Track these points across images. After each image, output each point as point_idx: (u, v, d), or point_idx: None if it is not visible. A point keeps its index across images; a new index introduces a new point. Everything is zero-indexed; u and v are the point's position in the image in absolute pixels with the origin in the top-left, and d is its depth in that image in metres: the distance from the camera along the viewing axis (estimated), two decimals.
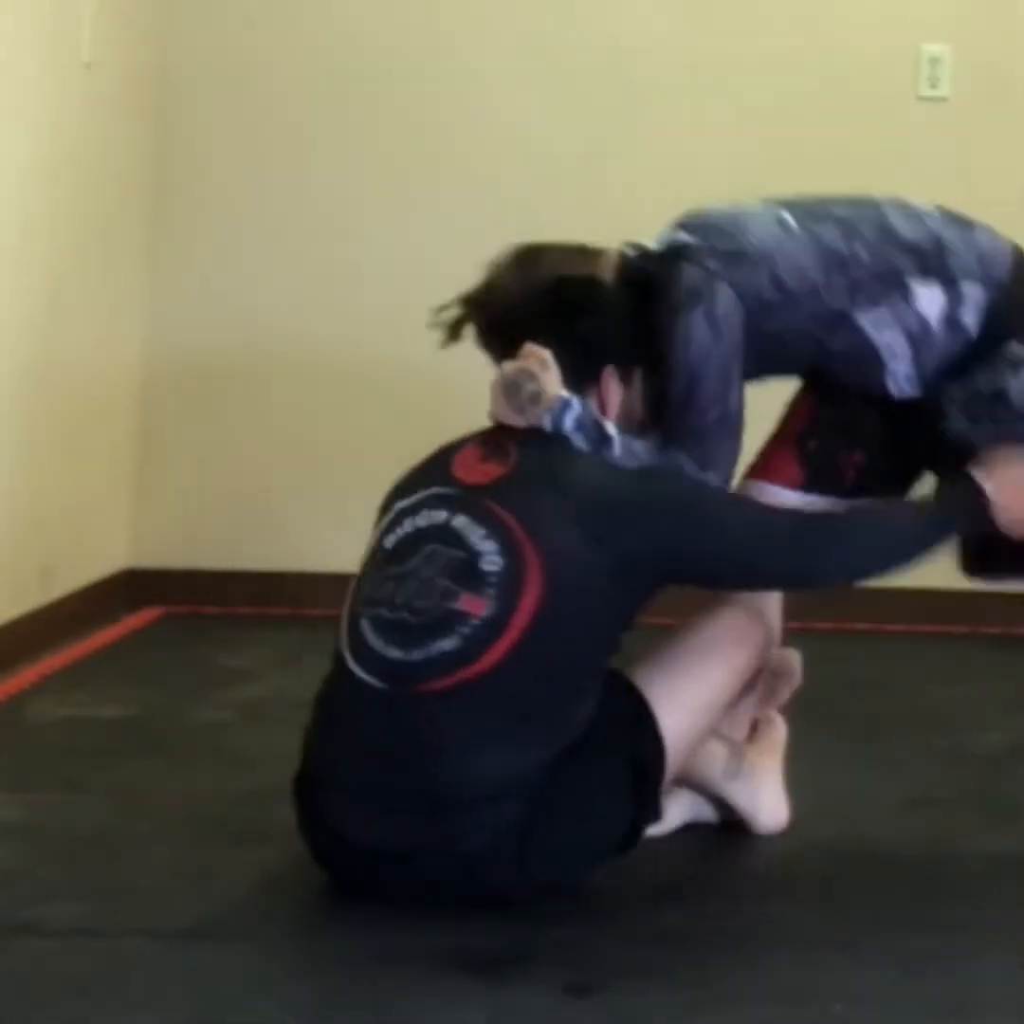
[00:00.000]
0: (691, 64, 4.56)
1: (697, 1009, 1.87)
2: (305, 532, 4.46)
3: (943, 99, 4.55)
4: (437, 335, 2.40)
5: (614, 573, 2.16)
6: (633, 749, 2.19)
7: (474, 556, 2.15)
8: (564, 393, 2.25)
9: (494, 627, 2.12)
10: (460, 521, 2.18)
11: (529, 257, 2.40)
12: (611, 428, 2.28)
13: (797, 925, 2.17)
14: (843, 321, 2.40)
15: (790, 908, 2.24)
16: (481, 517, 2.17)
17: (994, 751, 3.09)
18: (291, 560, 4.44)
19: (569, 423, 2.25)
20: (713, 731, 2.36)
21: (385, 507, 2.32)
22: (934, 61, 4.53)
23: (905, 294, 2.39)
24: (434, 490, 2.24)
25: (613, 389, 2.34)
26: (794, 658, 2.52)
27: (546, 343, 2.28)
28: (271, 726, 3.14)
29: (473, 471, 2.23)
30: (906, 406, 2.48)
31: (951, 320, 2.40)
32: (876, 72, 4.55)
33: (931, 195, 4.53)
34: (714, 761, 2.42)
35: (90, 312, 4.12)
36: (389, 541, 2.24)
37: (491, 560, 2.14)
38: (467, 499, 2.20)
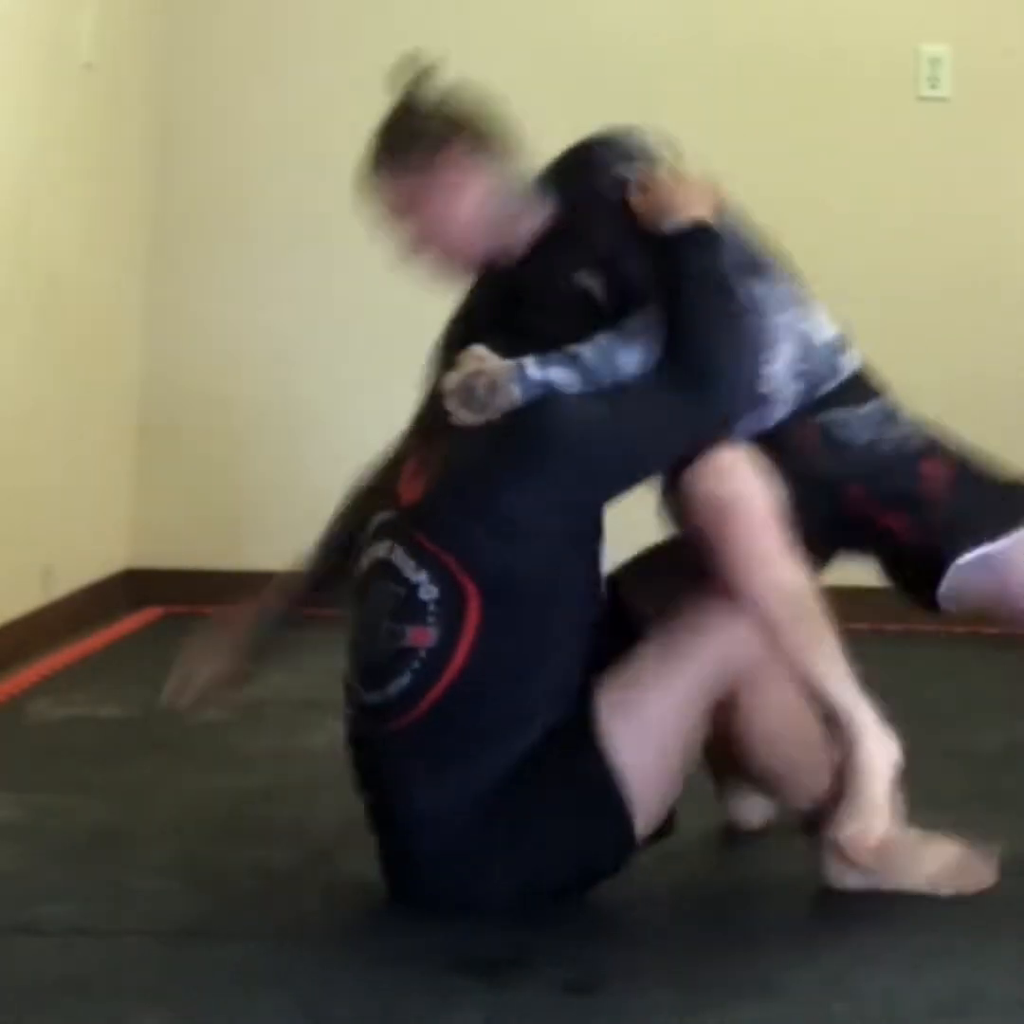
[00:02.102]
0: (690, 64, 4.56)
1: (697, 1009, 1.87)
2: (305, 532, 4.45)
3: (943, 99, 4.56)
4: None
5: (553, 551, 2.11)
6: (574, 770, 2.11)
7: (412, 588, 2.12)
8: (508, 363, 2.19)
9: (440, 655, 2.09)
10: (397, 555, 2.15)
11: None
12: (579, 349, 2.21)
13: (797, 925, 2.17)
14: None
15: (789, 907, 2.24)
16: (411, 548, 2.13)
17: (994, 751, 3.09)
18: (291, 560, 4.43)
19: (537, 374, 2.18)
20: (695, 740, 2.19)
21: (363, 520, 2.28)
22: (934, 61, 4.53)
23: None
24: (382, 516, 2.22)
25: None
26: None
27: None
28: (271, 726, 3.14)
29: (409, 486, 2.20)
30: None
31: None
32: (876, 72, 4.55)
33: (931, 195, 4.58)
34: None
35: (89, 311, 4.12)
36: (358, 571, 2.23)
37: (426, 589, 2.11)
38: (400, 526, 2.17)
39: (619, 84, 4.55)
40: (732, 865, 2.44)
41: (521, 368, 2.18)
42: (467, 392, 2.19)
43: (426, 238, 2.30)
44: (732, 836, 2.50)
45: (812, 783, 2.21)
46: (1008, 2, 4.58)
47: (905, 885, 2.24)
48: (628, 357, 2.21)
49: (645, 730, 2.11)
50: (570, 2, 4.61)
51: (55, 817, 2.57)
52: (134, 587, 4.46)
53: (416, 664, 2.11)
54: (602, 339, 2.21)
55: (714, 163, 4.65)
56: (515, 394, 2.17)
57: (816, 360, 2.38)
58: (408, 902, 2.16)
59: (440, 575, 2.11)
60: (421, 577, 2.12)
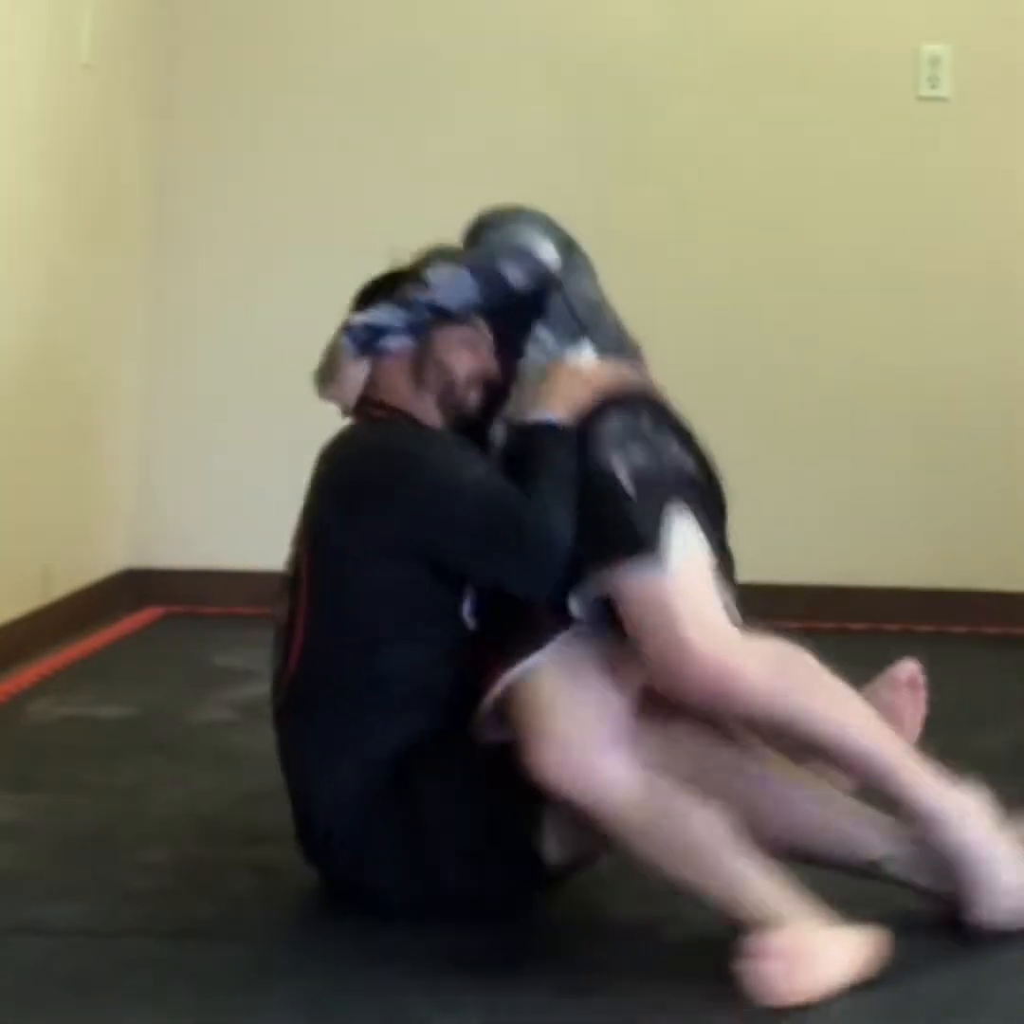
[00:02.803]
0: (690, 63, 4.56)
1: (697, 1009, 1.87)
2: None
3: (943, 99, 4.56)
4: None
5: (379, 557, 2.12)
6: (471, 784, 2.11)
7: (290, 567, 2.22)
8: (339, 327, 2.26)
9: (289, 628, 2.17)
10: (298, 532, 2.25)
11: None
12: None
13: None
14: None
15: None
16: (300, 526, 2.23)
17: (994, 751, 3.09)
18: None
19: (358, 319, 2.26)
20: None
21: None
22: (934, 61, 4.53)
23: None
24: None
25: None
26: None
27: None
28: (271, 726, 3.14)
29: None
30: None
31: None
32: (876, 72, 4.55)
33: (931, 195, 4.58)
34: None
35: (90, 312, 4.13)
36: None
37: (292, 565, 2.21)
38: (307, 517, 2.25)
39: (617, 83, 4.55)
40: None
41: (346, 323, 2.27)
42: (320, 372, 2.33)
43: None
44: None
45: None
46: (1008, 2, 4.58)
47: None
48: (456, 281, 2.24)
49: None
50: (570, 2, 4.61)
51: (55, 817, 2.58)
52: (134, 587, 4.46)
53: (280, 639, 2.19)
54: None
55: (714, 163, 4.67)
56: (347, 346, 2.25)
57: None
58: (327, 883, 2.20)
59: (296, 548, 2.21)
60: (292, 551, 2.22)
